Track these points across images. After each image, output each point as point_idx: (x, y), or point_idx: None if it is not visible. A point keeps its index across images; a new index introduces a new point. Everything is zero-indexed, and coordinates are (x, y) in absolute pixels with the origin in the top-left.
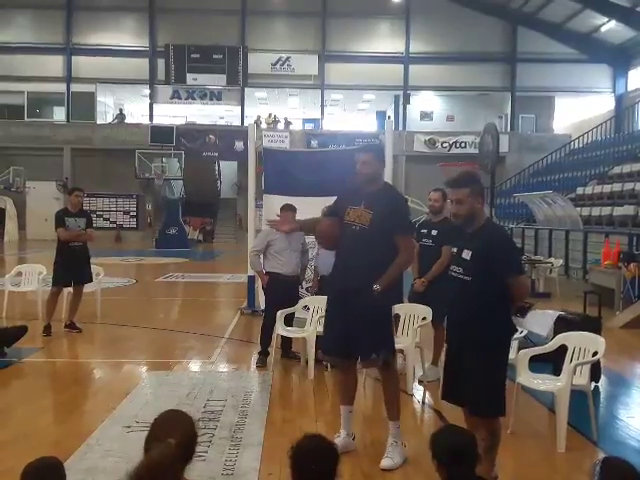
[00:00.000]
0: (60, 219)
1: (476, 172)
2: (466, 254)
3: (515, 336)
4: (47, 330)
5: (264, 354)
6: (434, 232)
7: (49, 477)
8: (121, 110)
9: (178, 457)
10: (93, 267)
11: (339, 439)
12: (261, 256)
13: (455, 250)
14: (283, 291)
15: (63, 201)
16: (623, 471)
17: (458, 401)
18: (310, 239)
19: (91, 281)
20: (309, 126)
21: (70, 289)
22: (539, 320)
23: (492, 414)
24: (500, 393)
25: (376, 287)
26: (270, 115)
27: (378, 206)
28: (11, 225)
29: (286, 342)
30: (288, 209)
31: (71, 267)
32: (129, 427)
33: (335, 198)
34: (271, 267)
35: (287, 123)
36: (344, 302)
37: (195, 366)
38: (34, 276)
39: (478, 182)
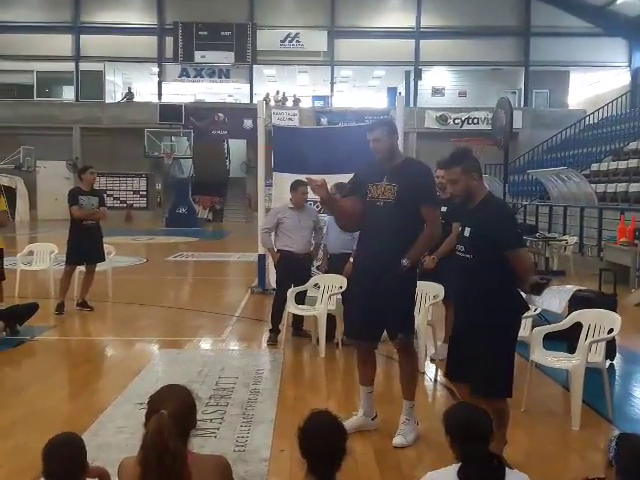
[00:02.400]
0: (74, 197)
1: (467, 149)
2: (467, 232)
3: (529, 314)
4: (60, 308)
5: (275, 332)
6: (443, 209)
7: (70, 452)
8: (130, 89)
9: (174, 426)
10: (105, 246)
11: (355, 418)
12: (272, 234)
13: (460, 228)
14: (295, 269)
15: (73, 181)
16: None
17: (461, 379)
18: (321, 217)
19: (104, 260)
20: (319, 103)
21: (82, 268)
22: (554, 297)
23: (493, 395)
24: (503, 374)
25: (405, 262)
26: (278, 92)
27: (403, 179)
28: (22, 205)
29: (297, 320)
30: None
31: (85, 246)
32: (141, 404)
33: (350, 176)
34: (282, 245)
35: (296, 100)
36: (371, 281)
37: (206, 344)
38: (46, 255)
39: (470, 158)
